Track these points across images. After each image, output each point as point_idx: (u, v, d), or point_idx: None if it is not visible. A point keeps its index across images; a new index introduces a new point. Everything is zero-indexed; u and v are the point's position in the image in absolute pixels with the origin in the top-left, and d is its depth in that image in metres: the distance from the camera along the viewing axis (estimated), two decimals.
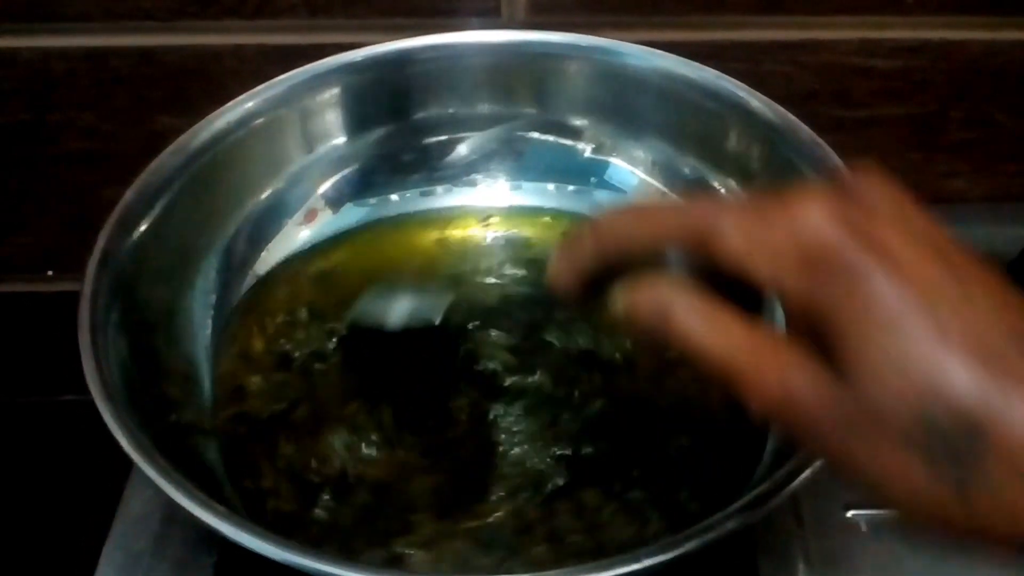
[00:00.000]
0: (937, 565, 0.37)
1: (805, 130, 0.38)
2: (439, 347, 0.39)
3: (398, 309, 0.37)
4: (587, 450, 0.36)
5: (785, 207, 0.20)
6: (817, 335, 0.20)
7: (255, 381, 0.38)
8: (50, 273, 0.54)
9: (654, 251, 0.23)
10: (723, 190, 0.41)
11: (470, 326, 0.39)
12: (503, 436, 0.36)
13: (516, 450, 0.36)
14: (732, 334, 0.21)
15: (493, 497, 0.34)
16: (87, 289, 0.32)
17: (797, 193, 0.21)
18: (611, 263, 0.24)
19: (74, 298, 0.32)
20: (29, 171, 0.51)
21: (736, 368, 0.21)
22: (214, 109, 0.39)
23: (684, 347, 0.21)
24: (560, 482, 0.35)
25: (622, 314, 0.23)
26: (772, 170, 0.39)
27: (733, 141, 0.40)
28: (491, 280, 0.42)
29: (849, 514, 0.38)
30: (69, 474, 0.44)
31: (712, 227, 0.21)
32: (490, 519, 0.34)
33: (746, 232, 0.21)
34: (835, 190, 0.21)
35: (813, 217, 0.20)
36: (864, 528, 0.38)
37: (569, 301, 0.25)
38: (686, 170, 0.42)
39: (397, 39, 0.42)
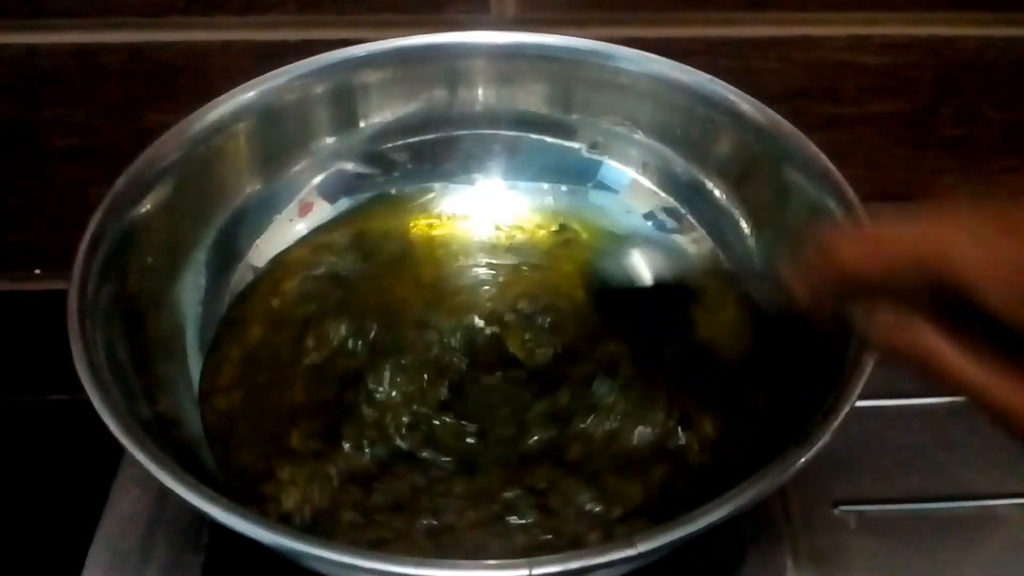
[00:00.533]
0: (922, 560, 0.37)
1: (795, 133, 0.38)
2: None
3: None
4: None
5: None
6: None
7: (242, 370, 0.38)
8: (38, 271, 0.54)
9: (889, 282, 0.23)
10: (715, 191, 0.42)
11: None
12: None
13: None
14: (996, 373, 0.21)
15: None
16: (77, 273, 0.32)
17: None
18: (848, 288, 0.24)
19: (62, 296, 0.32)
20: (16, 168, 0.50)
21: (1007, 409, 0.21)
22: (202, 105, 0.39)
23: (952, 386, 0.22)
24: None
25: (878, 345, 0.24)
26: (762, 172, 0.40)
27: (724, 143, 0.41)
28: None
29: (837, 510, 0.38)
30: (57, 473, 0.44)
31: (945, 257, 0.21)
32: None
33: (984, 261, 0.20)
34: None
35: None
36: (852, 524, 0.38)
37: (810, 315, 0.26)
38: (678, 170, 0.43)
39: (385, 35, 0.42)
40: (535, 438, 0.36)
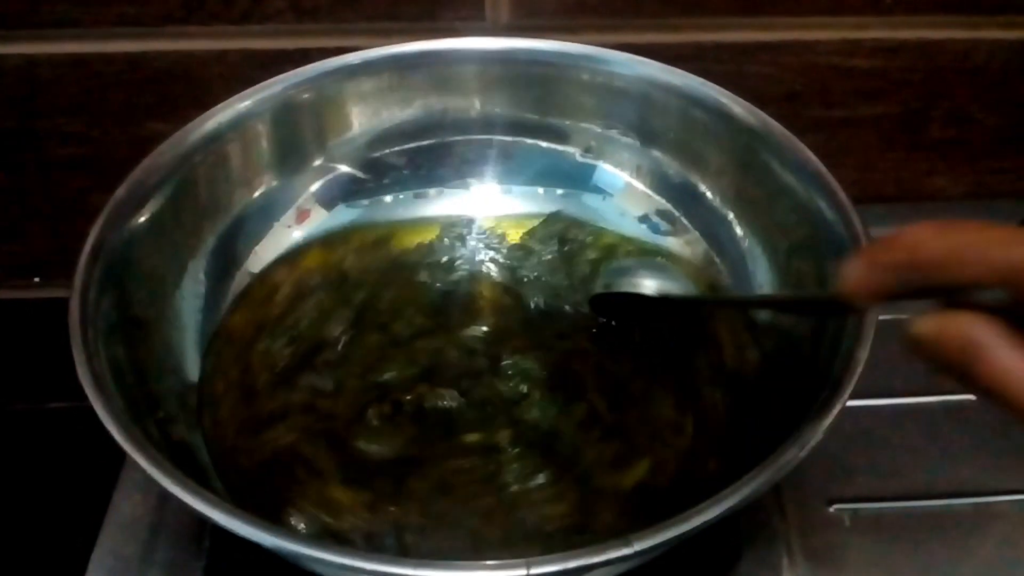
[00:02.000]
0: (917, 557, 0.37)
1: (786, 135, 0.38)
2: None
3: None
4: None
5: None
6: None
7: (242, 377, 0.38)
8: (37, 280, 0.54)
9: (971, 288, 0.21)
10: (708, 194, 0.42)
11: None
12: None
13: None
14: None
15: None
16: (78, 282, 0.33)
17: None
18: (917, 286, 0.22)
19: (62, 305, 0.32)
20: (16, 177, 0.51)
21: None
22: (201, 114, 0.40)
23: (992, 390, 0.21)
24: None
25: (922, 340, 0.22)
26: (754, 173, 0.40)
27: (716, 145, 0.41)
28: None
29: (832, 509, 0.39)
30: (58, 480, 0.44)
31: None
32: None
33: None
34: None
35: None
36: (847, 522, 0.38)
37: (859, 304, 0.24)
38: (671, 173, 0.43)
39: (382, 43, 0.42)
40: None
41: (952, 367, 0.21)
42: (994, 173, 0.54)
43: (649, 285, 0.40)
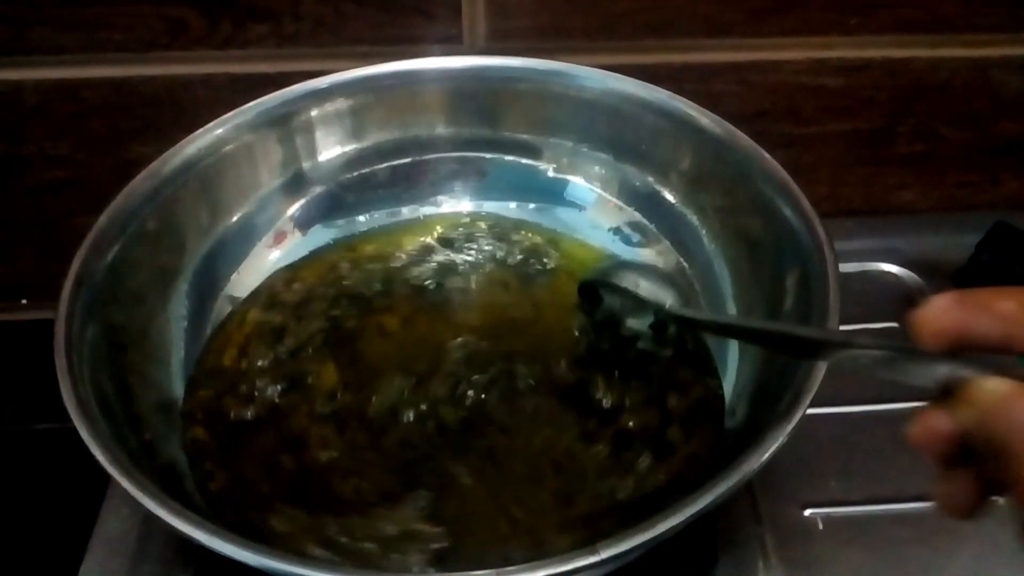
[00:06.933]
0: (888, 559, 0.38)
1: (752, 145, 0.39)
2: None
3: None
4: None
5: None
6: None
7: (225, 399, 0.39)
8: (24, 301, 0.55)
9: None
10: (677, 204, 0.43)
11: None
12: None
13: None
14: None
15: None
16: (62, 310, 0.33)
17: None
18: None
19: (49, 326, 0.33)
20: (3, 201, 0.51)
21: None
22: (185, 137, 0.40)
23: None
24: None
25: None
26: (723, 184, 0.41)
27: (685, 157, 0.42)
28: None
29: (807, 512, 0.39)
30: (46, 501, 0.44)
31: None
32: None
33: None
34: None
35: None
36: (821, 526, 0.39)
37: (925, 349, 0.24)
38: (641, 185, 0.44)
39: (363, 66, 0.43)
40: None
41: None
42: (960, 186, 0.55)
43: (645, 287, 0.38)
